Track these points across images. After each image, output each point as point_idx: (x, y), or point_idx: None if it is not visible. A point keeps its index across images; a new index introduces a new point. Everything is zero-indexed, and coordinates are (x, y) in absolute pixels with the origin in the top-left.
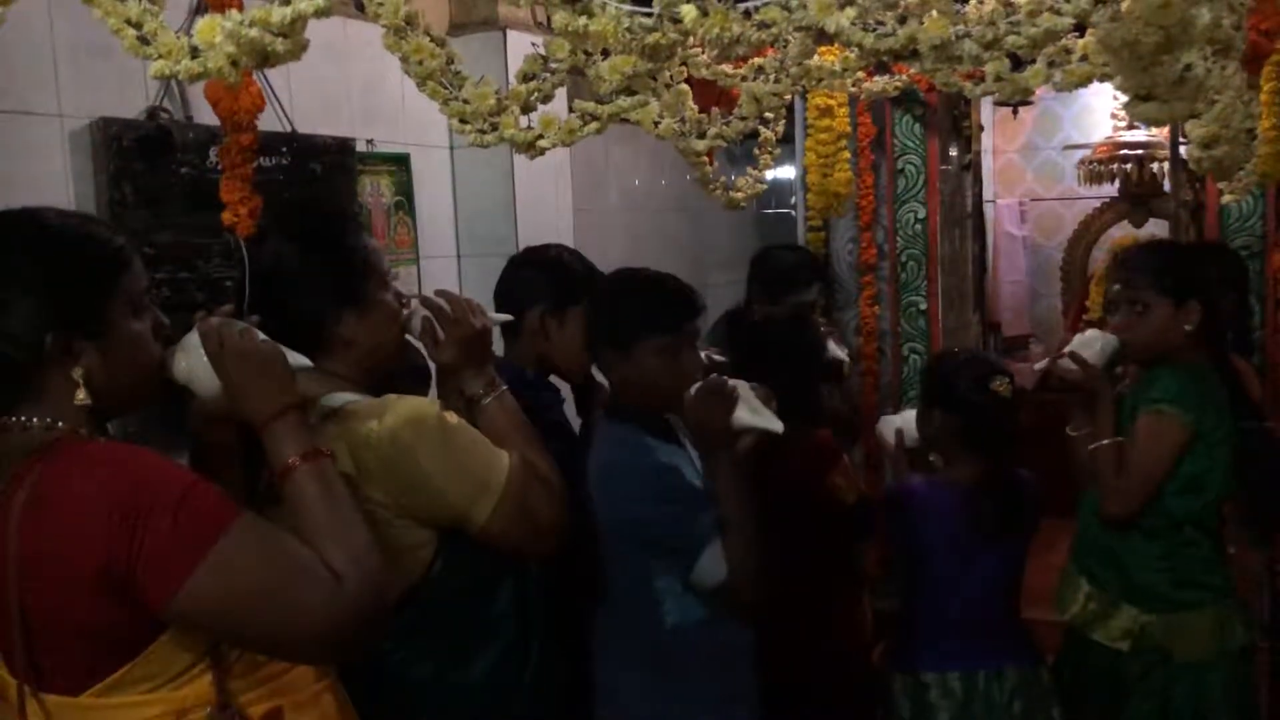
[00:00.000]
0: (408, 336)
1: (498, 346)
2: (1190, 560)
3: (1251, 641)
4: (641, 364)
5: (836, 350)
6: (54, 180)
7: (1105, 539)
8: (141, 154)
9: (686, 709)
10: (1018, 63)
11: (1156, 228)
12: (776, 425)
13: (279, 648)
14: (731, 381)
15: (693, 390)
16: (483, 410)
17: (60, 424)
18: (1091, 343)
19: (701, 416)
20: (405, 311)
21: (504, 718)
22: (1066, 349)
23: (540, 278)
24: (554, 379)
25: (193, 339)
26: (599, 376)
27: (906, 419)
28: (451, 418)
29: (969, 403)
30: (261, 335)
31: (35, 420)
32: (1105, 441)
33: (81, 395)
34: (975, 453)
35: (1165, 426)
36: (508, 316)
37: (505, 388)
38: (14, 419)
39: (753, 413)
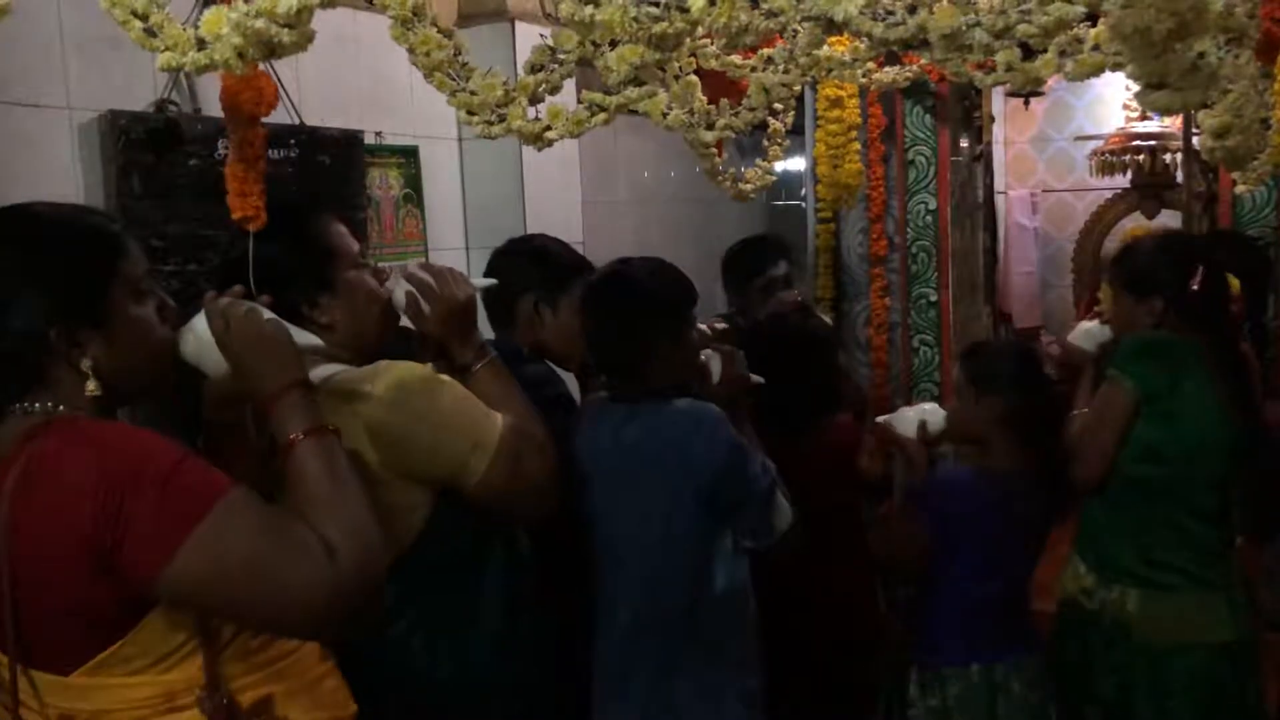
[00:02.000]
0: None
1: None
2: (1165, 541)
3: (1244, 638)
4: (690, 339)
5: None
6: (62, 173)
7: (1091, 513)
8: (150, 146)
9: (718, 681)
10: (1029, 52)
11: (1169, 219)
12: (758, 378)
13: (270, 623)
14: (708, 349)
15: (712, 357)
16: (474, 377)
17: (60, 408)
18: (1080, 328)
19: (737, 375)
20: (386, 284)
21: (500, 692)
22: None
23: (530, 266)
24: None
25: (201, 320)
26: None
27: (926, 410)
28: (444, 379)
29: (1029, 388)
30: (268, 314)
31: (37, 405)
32: (1077, 411)
33: (92, 386)
34: (1020, 441)
35: (1110, 390)
36: (492, 281)
37: (495, 354)
38: (17, 405)
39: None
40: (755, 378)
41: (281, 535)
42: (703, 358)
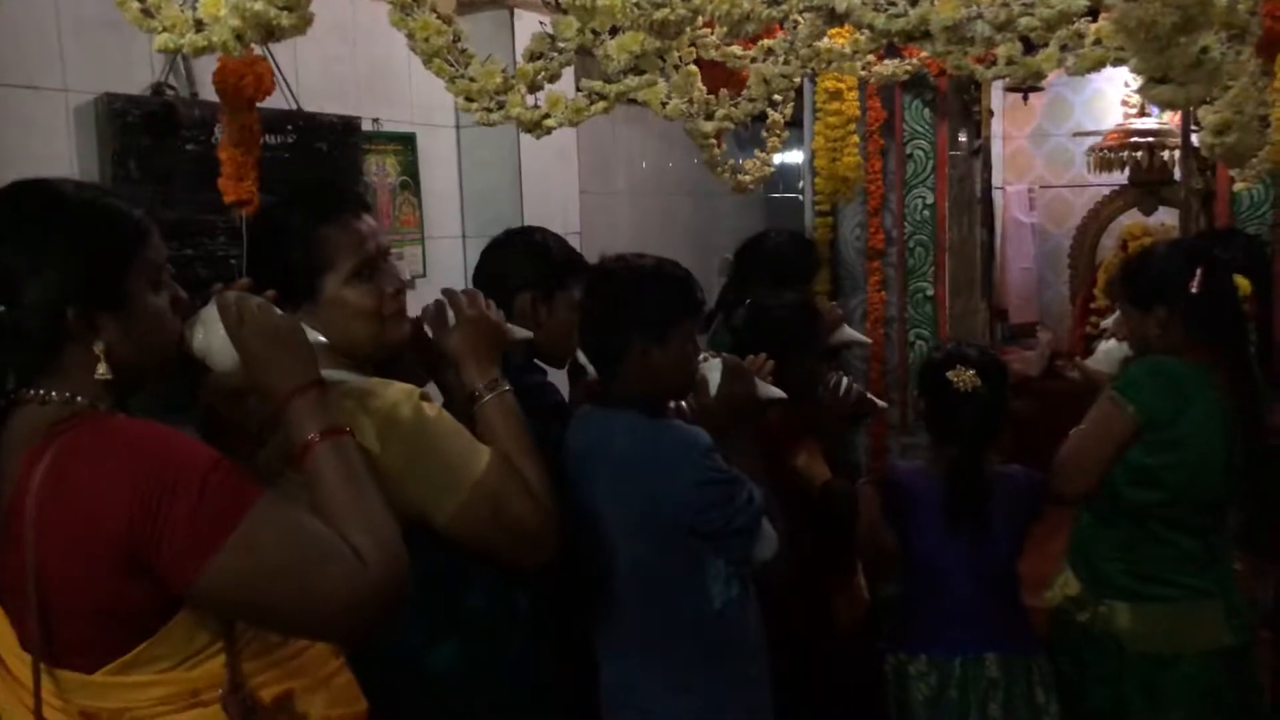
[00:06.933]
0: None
1: None
2: (1158, 558)
3: (1242, 643)
4: (677, 349)
5: (852, 333)
6: (58, 156)
7: (1083, 526)
8: (146, 130)
9: (725, 692)
10: (1030, 46)
11: (1166, 215)
12: (780, 392)
13: (301, 628)
14: (712, 359)
15: (711, 368)
16: (481, 408)
17: (79, 398)
18: (1100, 350)
19: (738, 392)
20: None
21: (469, 707)
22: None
23: (528, 262)
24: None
25: (210, 312)
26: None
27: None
28: (431, 409)
29: (932, 390)
30: (278, 311)
31: (54, 394)
32: (1077, 427)
33: (103, 369)
34: (943, 441)
35: (1110, 411)
36: (528, 334)
37: (508, 388)
38: (32, 392)
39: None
40: (774, 391)
41: (313, 541)
42: (702, 370)
